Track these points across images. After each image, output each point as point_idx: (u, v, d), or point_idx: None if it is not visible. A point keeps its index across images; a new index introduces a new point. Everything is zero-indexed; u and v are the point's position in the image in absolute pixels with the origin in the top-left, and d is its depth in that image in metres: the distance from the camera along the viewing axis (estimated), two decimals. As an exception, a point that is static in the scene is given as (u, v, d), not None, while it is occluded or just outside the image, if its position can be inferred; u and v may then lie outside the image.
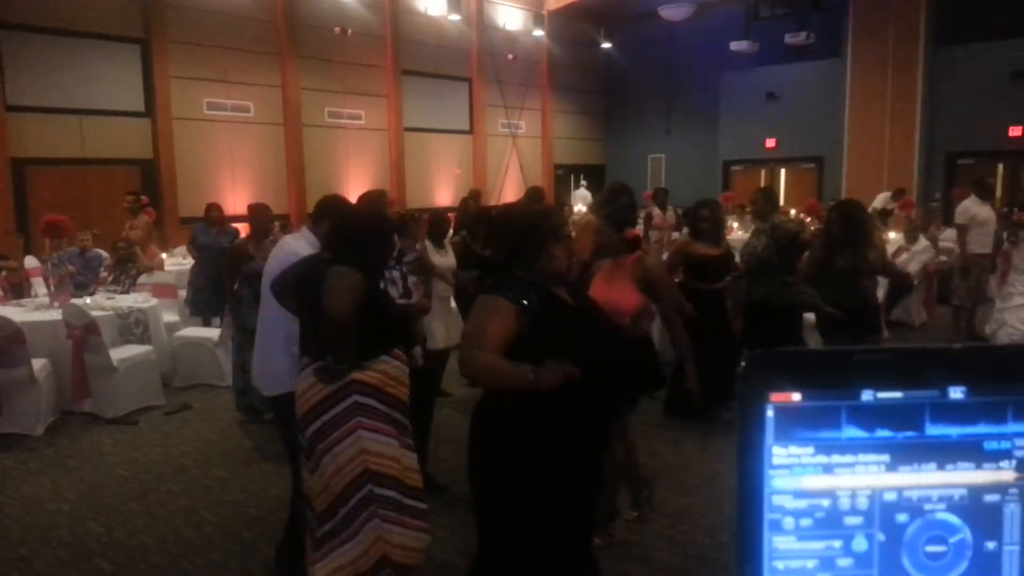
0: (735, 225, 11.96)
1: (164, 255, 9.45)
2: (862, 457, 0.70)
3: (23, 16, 10.55)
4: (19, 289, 8.74)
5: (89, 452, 5.48)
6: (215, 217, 7.84)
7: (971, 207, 8.23)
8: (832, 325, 5.10)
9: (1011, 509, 0.72)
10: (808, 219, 11.27)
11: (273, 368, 3.50)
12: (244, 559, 3.93)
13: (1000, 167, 14.89)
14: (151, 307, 6.98)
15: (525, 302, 2.50)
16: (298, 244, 3.57)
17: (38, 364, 5.89)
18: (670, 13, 15.61)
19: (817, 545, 0.70)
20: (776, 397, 0.69)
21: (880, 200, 12.62)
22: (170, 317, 7.54)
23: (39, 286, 8.12)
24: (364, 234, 3.19)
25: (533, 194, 8.07)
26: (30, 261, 9.24)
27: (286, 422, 3.35)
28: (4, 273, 8.64)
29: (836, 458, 0.70)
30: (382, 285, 3.36)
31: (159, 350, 6.82)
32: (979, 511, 0.72)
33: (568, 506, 2.61)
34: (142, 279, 7.92)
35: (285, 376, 3.37)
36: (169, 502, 4.61)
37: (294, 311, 3.28)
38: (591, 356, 2.47)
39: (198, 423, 6.08)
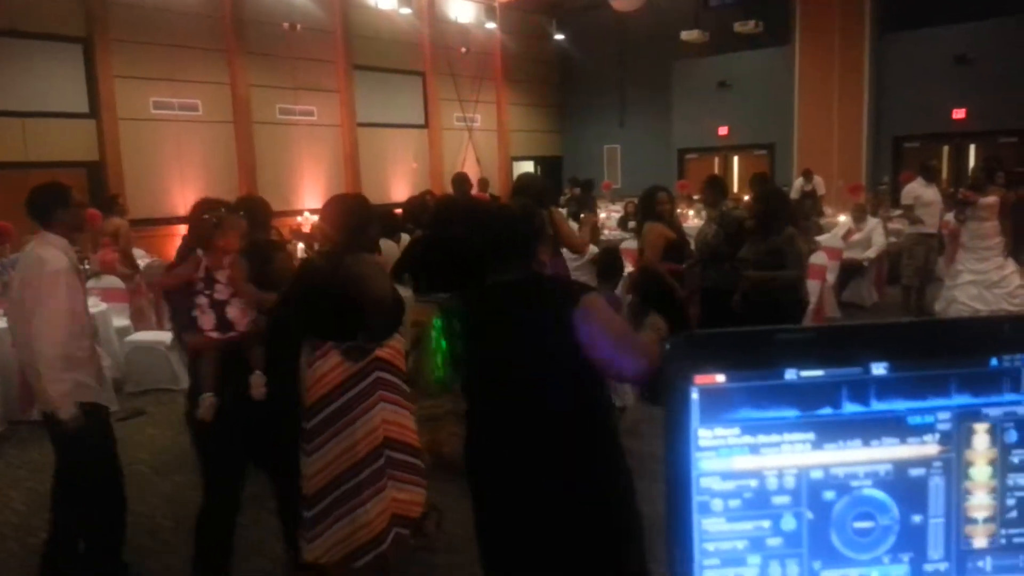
0: (690, 213, 12.08)
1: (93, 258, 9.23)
2: (788, 436, 0.70)
3: (-42, 16, 10.22)
4: (-38, 297, 8.48)
5: (39, 462, 5.33)
6: None
7: (916, 188, 8.41)
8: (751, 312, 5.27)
9: (936, 482, 0.73)
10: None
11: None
12: (202, 564, 3.86)
13: (945, 149, 15.23)
14: (100, 312, 6.82)
15: None
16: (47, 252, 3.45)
17: (-17, 374, 5.74)
18: (621, 3, 15.63)
19: (746, 526, 0.71)
20: (700, 379, 0.69)
21: (795, 187, 12.88)
22: (120, 322, 7.38)
23: (-17, 293, 7.88)
24: (362, 219, 3.44)
25: (459, 180, 8.23)
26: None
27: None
28: (-54, 282, 8.37)
29: (762, 438, 0.70)
30: (194, 313, 3.30)
31: (109, 355, 6.66)
32: (905, 486, 0.72)
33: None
34: (90, 283, 7.74)
35: None
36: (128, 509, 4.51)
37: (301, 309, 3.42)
38: None
39: (153, 428, 5.97)
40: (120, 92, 11.81)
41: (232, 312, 3.33)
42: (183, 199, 11.88)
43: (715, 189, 6.37)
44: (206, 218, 3.39)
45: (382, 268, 3.41)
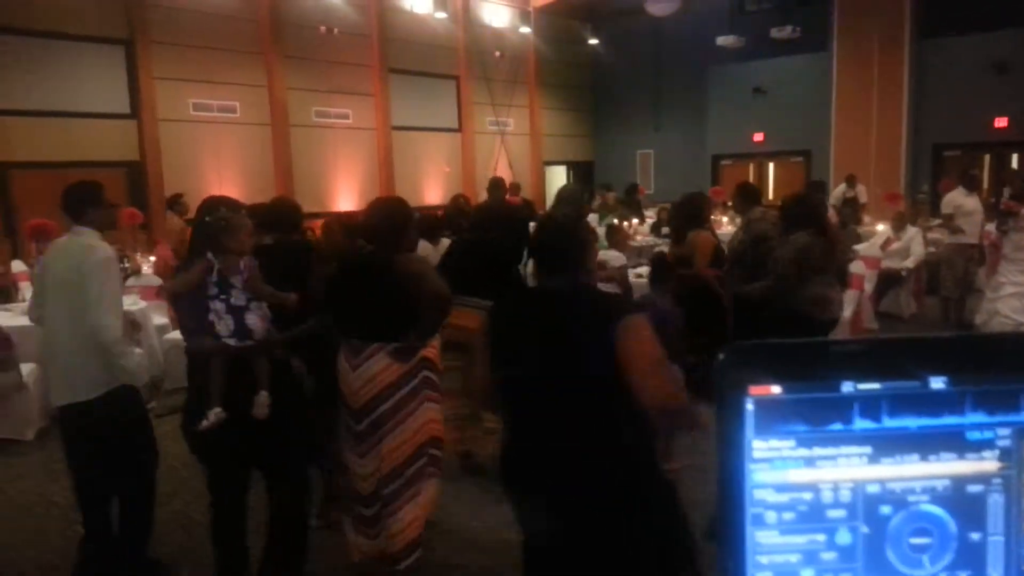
0: (724, 220, 11.99)
1: (152, 257, 9.45)
2: (844, 449, 0.69)
3: (6, 19, 10.45)
4: (6, 293, 8.66)
5: (78, 457, 5.44)
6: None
7: (957, 198, 8.28)
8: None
9: (995, 499, 0.71)
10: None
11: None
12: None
13: (987, 158, 14.96)
14: (139, 309, 6.94)
15: None
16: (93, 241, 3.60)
17: (27, 369, 5.85)
18: (656, 8, 15.61)
19: (800, 539, 0.70)
20: (756, 390, 0.68)
21: (837, 193, 12.64)
22: (159, 319, 7.50)
23: (27, 290, 8.05)
24: (405, 221, 3.52)
25: (495, 185, 8.11)
26: (17, 265, 9.17)
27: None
28: (-9, 278, 8.57)
29: (817, 451, 0.69)
30: (210, 318, 3.21)
31: (149, 352, 6.78)
32: (963, 502, 0.71)
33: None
34: (129, 281, 7.88)
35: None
36: (161, 505, 4.56)
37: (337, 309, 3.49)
38: None
39: (188, 425, 6.04)
40: (160, 93, 12.01)
41: (251, 319, 3.23)
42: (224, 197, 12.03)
43: (745, 196, 6.29)
44: (208, 220, 3.27)
45: (432, 265, 3.46)
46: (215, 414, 3.14)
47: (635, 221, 12.27)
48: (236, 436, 3.19)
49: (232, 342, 3.19)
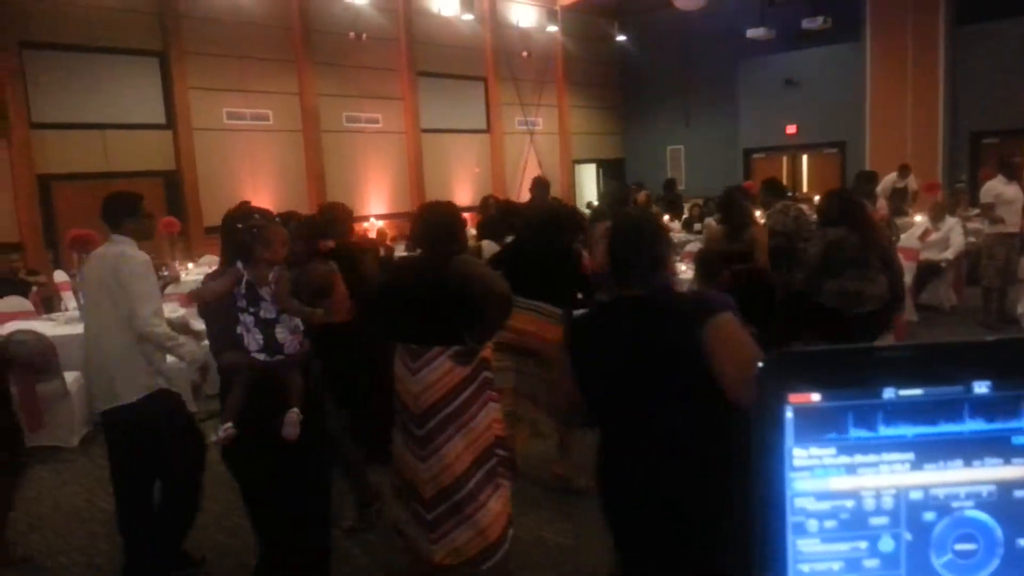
0: (757, 214, 11.85)
1: (191, 264, 9.63)
2: (886, 456, 0.69)
3: (43, 35, 10.68)
4: (49, 303, 8.87)
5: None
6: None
7: (996, 186, 8.10)
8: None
9: (1042, 504, 0.70)
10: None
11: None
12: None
13: (1027, 145, 14.63)
14: (179, 316, 7.04)
15: None
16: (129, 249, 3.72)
17: (70, 377, 5.98)
18: (684, 2, 15.47)
19: (842, 547, 0.69)
20: (795, 398, 0.68)
21: (887, 183, 12.32)
22: (198, 325, 7.59)
23: (69, 300, 8.23)
24: (458, 224, 3.52)
25: (540, 184, 7.98)
26: (59, 275, 9.37)
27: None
28: (35, 288, 8.77)
29: (859, 458, 0.69)
30: (238, 331, 3.13)
31: (195, 359, 6.87)
32: (1009, 507, 0.70)
33: None
34: (169, 289, 8.00)
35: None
36: (204, 508, 4.65)
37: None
38: None
39: (229, 430, 6.11)
40: (195, 103, 12.19)
41: (281, 333, 3.10)
42: (256, 206, 12.20)
43: (768, 190, 6.24)
44: (240, 227, 3.16)
45: (489, 266, 3.42)
46: (225, 430, 3.04)
47: (665, 217, 12.17)
48: (261, 455, 3.09)
49: (261, 357, 3.08)
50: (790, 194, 12.89)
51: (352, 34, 13.93)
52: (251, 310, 3.08)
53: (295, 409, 3.06)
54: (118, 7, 11.41)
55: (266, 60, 13.05)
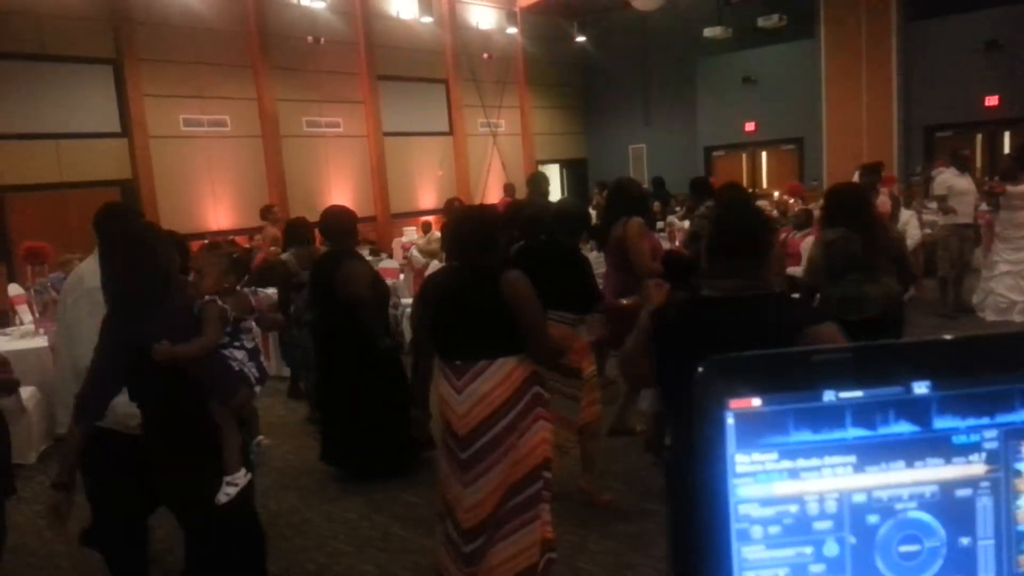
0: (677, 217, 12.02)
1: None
2: (828, 460, 0.68)
3: (-8, 43, 10.45)
4: (3, 317, 8.66)
5: (82, 479, 5.43)
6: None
7: (949, 179, 8.26)
8: None
9: (984, 503, 0.70)
10: (791, 200, 11.30)
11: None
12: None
13: (979, 137, 14.95)
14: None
15: None
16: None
17: (27, 392, 5.84)
18: (642, 3, 15.58)
19: (788, 552, 0.69)
20: (736, 403, 0.67)
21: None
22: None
23: (24, 314, 8.04)
24: (496, 232, 3.31)
25: (539, 180, 7.55)
26: (13, 289, 9.16)
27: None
28: (-13, 303, 8.58)
29: (801, 462, 0.68)
30: (236, 368, 2.97)
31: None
32: (951, 507, 0.70)
33: None
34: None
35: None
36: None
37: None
38: None
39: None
40: (150, 111, 12.00)
41: (264, 360, 3.00)
42: (215, 214, 12.06)
43: (694, 189, 6.24)
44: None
45: (534, 293, 3.14)
46: (243, 478, 2.88)
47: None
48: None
49: (258, 390, 2.97)
50: (751, 191, 13.07)
51: (310, 38, 13.82)
52: (235, 344, 2.96)
53: (259, 436, 2.96)
54: (70, 15, 11.19)
55: (222, 66, 12.88)
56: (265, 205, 10.74)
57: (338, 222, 5.25)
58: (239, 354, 2.95)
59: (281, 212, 10.78)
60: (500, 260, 3.31)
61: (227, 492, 2.80)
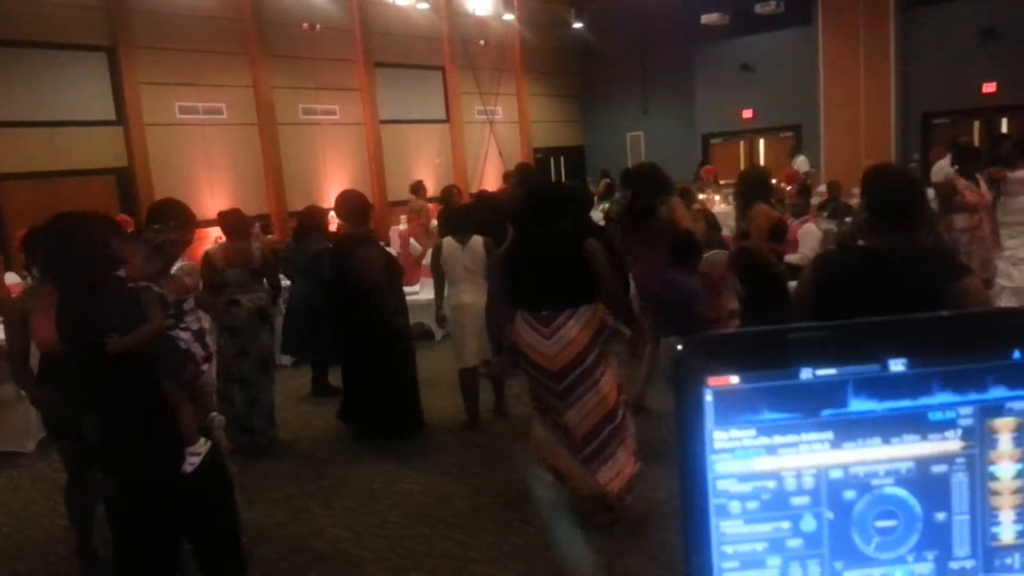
0: (716, 198, 11.98)
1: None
2: (805, 436, 0.69)
3: (-15, 31, 10.39)
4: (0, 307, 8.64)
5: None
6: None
7: (947, 166, 8.24)
8: None
9: (959, 479, 0.71)
10: (788, 187, 11.28)
11: None
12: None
13: (976, 124, 14.93)
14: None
15: None
16: None
17: (23, 381, 5.84)
18: (639, -11, 15.54)
19: (765, 527, 0.70)
20: (714, 381, 0.68)
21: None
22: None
23: (20, 303, 8.02)
24: (564, 201, 4.08)
25: (525, 171, 7.87)
26: (10, 277, 9.14)
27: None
28: (-16, 291, 8.54)
29: (779, 439, 0.69)
30: (184, 346, 3.18)
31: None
32: (927, 483, 0.71)
33: None
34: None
35: None
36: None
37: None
38: None
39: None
40: (146, 98, 11.94)
41: (210, 341, 3.17)
42: (211, 201, 12.03)
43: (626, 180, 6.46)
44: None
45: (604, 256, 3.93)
46: (203, 446, 3.02)
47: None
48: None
49: (206, 367, 3.14)
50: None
51: (305, 25, 13.75)
52: (181, 325, 3.16)
53: (215, 413, 3.19)
54: (65, 2, 11.11)
55: (218, 53, 12.82)
56: (416, 181, 11.90)
57: (350, 205, 5.77)
58: (184, 335, 3.15)
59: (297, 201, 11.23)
60: (572, 228, 4.02)
61: (191, 462, 2.99)
